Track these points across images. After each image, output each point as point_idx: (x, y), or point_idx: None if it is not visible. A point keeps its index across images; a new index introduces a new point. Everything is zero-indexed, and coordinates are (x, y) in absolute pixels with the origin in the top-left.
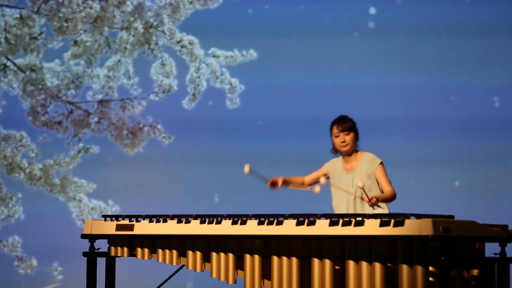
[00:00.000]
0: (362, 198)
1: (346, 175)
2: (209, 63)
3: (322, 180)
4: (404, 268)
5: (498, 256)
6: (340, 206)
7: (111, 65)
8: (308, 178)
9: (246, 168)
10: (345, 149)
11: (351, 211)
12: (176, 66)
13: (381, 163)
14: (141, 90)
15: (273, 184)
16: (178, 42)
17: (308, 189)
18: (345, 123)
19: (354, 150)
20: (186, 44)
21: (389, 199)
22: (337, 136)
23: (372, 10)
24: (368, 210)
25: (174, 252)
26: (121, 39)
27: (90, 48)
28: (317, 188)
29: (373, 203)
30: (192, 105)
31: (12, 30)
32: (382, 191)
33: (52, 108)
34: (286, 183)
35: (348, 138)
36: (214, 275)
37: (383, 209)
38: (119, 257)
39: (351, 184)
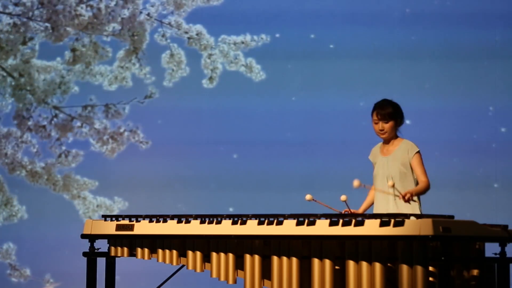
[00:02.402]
0: (396, 195)
1: (382, 158)
2: (221, 49)
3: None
4: (404, 268)
5: (498, 256)
6: (378, 202)
7: (121, 57)
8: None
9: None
10: (383, 136)
11: (390, 207)
12: (186, 55)
13: (418, 152)
14: (154, 78)
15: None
16: (186, 33)
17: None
18: (385, 110)
19: (393, 136)
20: (194, 35)
21: (423, 191)
22: (376, 123)
23: None
24: (403, 205)
25: (174, 252)
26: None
27: (84, 54)
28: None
29: (407, 199)
30: (213, 84)
31: (4, 35)
32: (416, 180)
33: (37, 112)
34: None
35: (387, 126)
36: (214, 275)
37: (416, 202)
38: (119, 257)
39: (386, 167)
